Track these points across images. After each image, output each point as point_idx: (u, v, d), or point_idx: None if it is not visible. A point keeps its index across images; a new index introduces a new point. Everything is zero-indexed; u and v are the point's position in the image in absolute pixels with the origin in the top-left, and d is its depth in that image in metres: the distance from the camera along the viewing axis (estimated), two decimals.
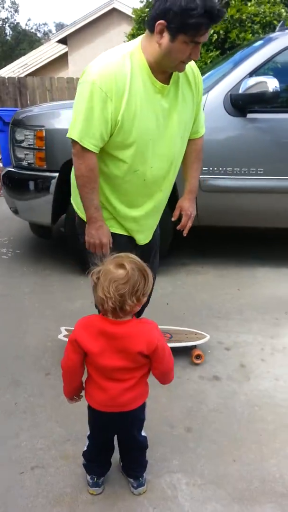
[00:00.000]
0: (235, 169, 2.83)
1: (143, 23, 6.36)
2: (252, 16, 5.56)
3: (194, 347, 2.07)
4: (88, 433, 1.36)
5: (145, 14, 6.23)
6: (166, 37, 1.32)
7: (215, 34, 5.50)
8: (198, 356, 2.04)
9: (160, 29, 1.32)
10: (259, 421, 1.70)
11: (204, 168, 2.81)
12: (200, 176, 2.80)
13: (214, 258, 3.42)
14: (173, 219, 1.83)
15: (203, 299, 2.72)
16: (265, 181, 2.86)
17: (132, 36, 6.56)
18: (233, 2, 5.62)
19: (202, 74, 3.58)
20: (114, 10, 11.88)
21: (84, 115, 1.35)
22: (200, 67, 5.39)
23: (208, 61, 5.43)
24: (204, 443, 1.58)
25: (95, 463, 1.37)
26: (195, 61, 1.56)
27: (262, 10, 5.60)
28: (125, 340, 1.17)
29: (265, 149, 2.81)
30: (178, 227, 1.83)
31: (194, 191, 1.81)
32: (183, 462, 1.49)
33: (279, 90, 2.52)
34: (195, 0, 1.24)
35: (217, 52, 5.52)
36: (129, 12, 11.45)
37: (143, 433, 1.35)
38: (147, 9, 6.22)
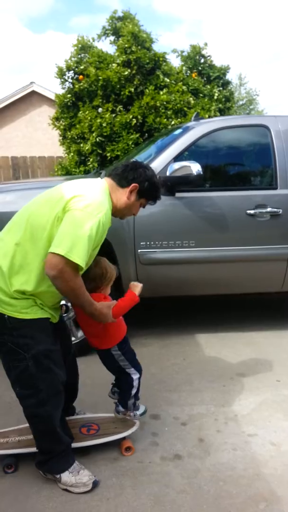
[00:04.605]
0: (170, 242, 3.02)
1: (66, 107, 6.77)
2: (165, 103, 6.24)
3: (123, 438, 1.96)
4: None
5: (68, 100, 6.65)
6: (133, 195, 1.79)
7: (134, 119, 6.04)
8: (128, 449, 1.93)
9: (132, 190, 1.77)
10: (226, 497, 1.69)
11: (142, 243, 2.97)
12: (139, 251, 2.97)
13: (157, 328, 3.49)
14: None
15: (152, 373, 2.73)
16: (197, 252, 3.08)
17: (57, 119, 6.92)
18: (147, 90, 6.29)
19: (129, 157, 3.89)
20: (33, 92, 12.51)
21: (88, 243, 1.52)
22: (123, 149, 5.83)
23: (130, 143, 5.89)
24: None
25: None
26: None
27: (173, 98, 6.32)
28: None
29: (194, 224, 3.06)
30: None
31: None
32: None
33: (202, 173, 2.83)
34: (159, 183, 1.87)
35: (137, 135, 6.03)
36: (48, 94, 12.15)
37: None
38: (69, 95, 6.64)
